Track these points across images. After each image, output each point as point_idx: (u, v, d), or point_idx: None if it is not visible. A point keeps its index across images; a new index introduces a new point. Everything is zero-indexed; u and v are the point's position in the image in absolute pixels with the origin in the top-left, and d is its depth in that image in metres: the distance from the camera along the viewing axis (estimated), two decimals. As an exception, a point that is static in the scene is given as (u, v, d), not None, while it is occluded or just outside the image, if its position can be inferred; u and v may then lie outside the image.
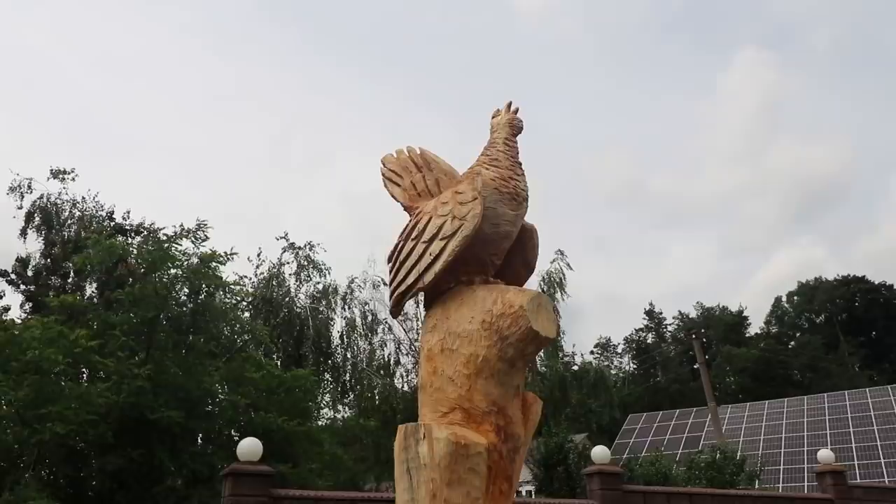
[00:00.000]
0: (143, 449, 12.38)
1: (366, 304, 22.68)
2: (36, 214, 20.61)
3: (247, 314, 19.52)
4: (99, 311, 14.37)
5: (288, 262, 21.81)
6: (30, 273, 20.37)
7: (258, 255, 22.38)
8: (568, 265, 23.94)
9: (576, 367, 29.13)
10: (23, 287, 20.33)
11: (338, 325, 21.69)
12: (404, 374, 23.43)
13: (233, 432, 15.00)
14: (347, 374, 21.81)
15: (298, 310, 20.87)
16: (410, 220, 3.76)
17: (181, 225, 15.43)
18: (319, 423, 18.93)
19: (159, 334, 14.16)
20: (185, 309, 15.40)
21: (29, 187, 20.77)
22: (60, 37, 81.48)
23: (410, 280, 3.60)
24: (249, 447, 9.96)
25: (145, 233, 18.84)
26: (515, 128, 3.84)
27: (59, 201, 20.61)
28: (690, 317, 61.63)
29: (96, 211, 20.60)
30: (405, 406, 21.46)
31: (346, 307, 22.00)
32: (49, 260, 20.02)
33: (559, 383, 23.87)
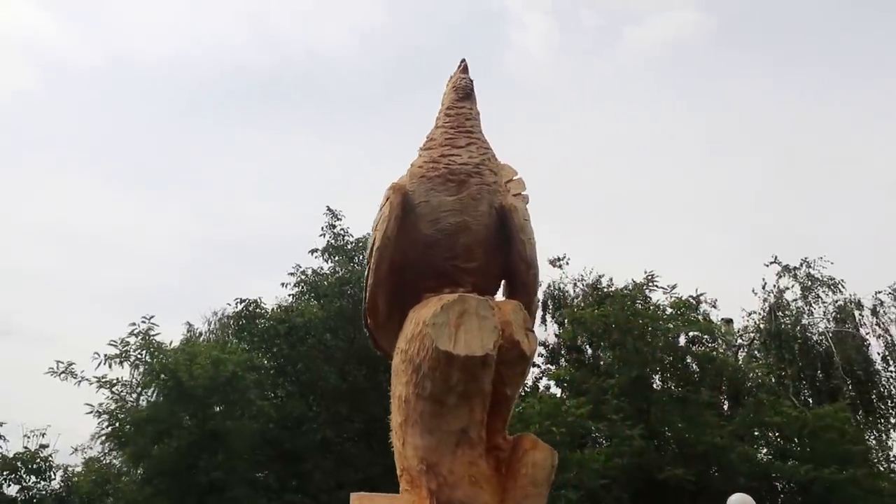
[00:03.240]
0: (661, 510, 12.19)
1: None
2: (548, 302, 23.36)
3: (752, 354, 17.93)
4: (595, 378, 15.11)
5: (789, 287, 19.23)
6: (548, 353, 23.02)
7: (763, 287, 20.27)
8: None
9: None
10: (544, 367, 23.04)
11: (875, 346, 17.78)
12: None
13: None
14: (911, 403, 17.46)
15: (816, 336, 17.98)
16: None
17: (632, 280, 15.41)
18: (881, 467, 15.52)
19: (653, 391, 14.07)
20: (685, 363, 15.19)
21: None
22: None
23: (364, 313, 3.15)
24: (738, 502, 9.05)
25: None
26: (459, 90, 3.00)
27: (561, 285, 22.96)
28: None
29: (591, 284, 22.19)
30: None
31: (882, 323, 17.92)
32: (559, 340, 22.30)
33: None
